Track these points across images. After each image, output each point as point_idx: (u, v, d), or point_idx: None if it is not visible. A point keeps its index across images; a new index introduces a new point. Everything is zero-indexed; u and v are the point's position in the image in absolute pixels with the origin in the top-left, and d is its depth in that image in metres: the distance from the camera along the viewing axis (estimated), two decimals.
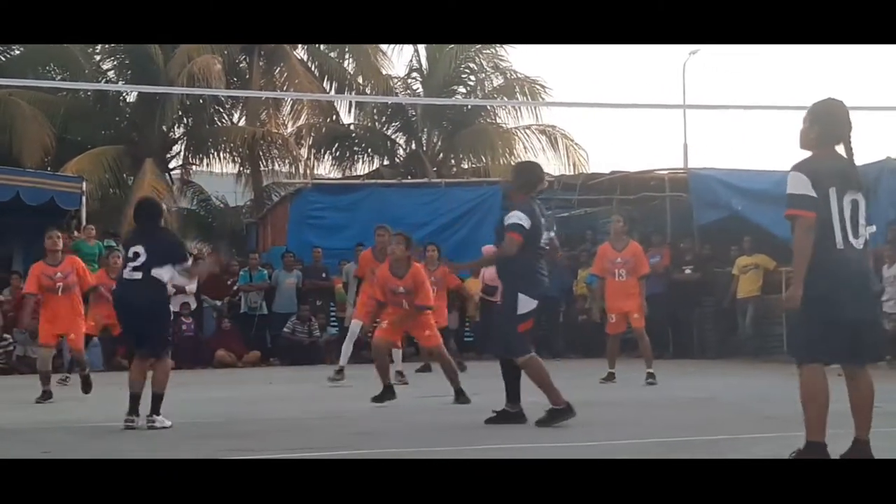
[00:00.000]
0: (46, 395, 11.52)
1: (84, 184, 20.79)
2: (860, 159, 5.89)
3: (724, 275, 18.97)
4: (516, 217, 8.43)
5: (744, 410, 9.70)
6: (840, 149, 5.83)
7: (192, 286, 19.54)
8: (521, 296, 8.44)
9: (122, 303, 9.21)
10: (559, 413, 8.33)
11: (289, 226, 22.26)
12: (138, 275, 8.94)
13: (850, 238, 5.63)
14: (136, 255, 8.97)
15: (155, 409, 8.79)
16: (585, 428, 8.17)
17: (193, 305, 19.57)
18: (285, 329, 19.41)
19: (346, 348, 13.50)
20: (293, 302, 19.86)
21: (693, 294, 19.42)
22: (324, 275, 20.43)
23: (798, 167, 5.71)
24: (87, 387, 11.92)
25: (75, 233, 18.89)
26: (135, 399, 8.84)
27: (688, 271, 19.44)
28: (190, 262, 9.40)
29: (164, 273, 9.03)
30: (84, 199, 20.31)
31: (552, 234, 8.80)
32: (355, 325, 13.30)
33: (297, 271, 20.28)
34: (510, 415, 8.63)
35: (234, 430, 8.60)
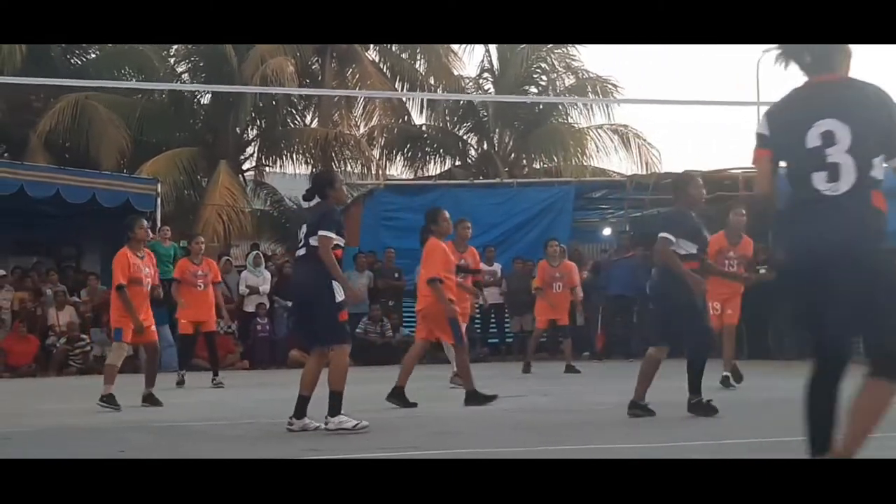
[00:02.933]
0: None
1: (159, 185, 21.10)
2: None
3: None
4: None
5: None
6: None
7: (265, 286, 19.74)
8: None
9: (292, 285, 8.68)
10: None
11: (362, 226, 22.28)
12: (302, 251, 8.47)
13: None
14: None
15: (331, 410, 8.24)
16: (663, 428, 8.13)
17: (267, 305, 19.77)
18: (358, 329, 19.47)
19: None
20: (365, 302, 19.91)
21: (769, 294, 19.21)
22: (396, 275, 20.48)
23: None
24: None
25: (151, 234, 19.13)
26: (302, 401, 8.44)
27: (762, 271, 19.23)
28: (326, 233, 8.19)
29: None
30: (159, 200, 20.61)
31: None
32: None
33: (368, 271, 20.36)
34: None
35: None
